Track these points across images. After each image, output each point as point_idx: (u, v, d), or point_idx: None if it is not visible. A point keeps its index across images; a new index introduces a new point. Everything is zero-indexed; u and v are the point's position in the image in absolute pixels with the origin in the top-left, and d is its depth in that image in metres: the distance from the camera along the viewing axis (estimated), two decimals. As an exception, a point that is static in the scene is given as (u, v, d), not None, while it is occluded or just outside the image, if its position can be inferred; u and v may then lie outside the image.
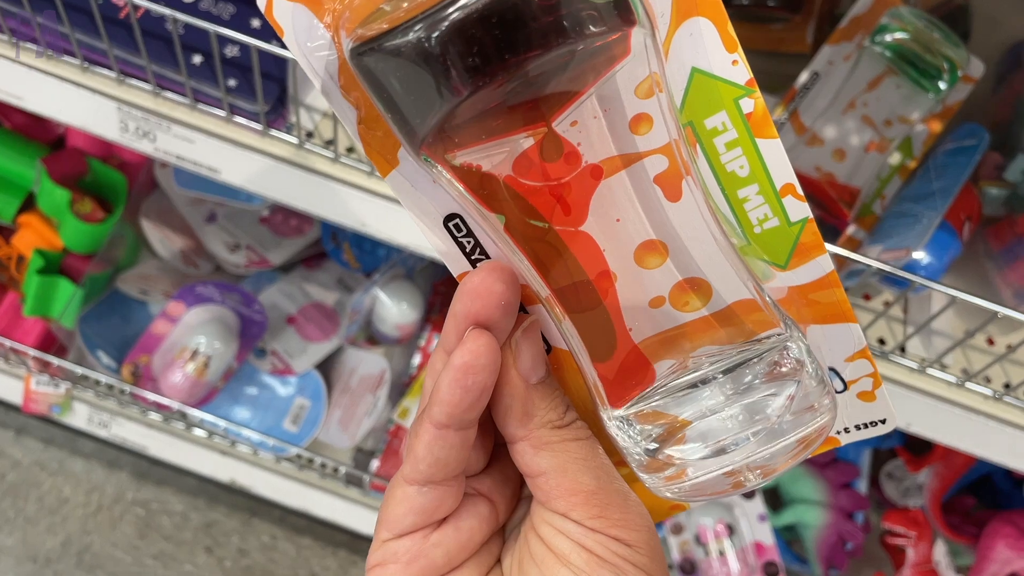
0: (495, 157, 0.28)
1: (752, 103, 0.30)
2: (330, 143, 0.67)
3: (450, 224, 0.31)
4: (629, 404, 0.31)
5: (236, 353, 1.02)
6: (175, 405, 0.99)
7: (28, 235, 1.02)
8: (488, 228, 0.31)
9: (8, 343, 1.00)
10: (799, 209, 0.31)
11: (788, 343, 0.31)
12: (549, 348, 0.33)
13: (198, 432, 1.07)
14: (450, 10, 0.24)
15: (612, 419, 0.32)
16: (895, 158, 0.71)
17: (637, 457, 0.32)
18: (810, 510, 1.06)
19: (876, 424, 0.35)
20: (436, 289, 1.14)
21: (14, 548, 1.18)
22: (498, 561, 0.34)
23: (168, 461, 1.12)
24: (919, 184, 0.68)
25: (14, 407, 1.17)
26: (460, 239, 0.31)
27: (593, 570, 0.30)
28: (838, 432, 0.35)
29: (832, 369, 0.34)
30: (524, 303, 0.32)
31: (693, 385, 0.31)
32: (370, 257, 1.09)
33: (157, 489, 1.23)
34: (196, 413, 1.00)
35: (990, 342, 0.71)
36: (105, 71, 0.67)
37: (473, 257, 0.32)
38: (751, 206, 0.31)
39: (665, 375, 0.31)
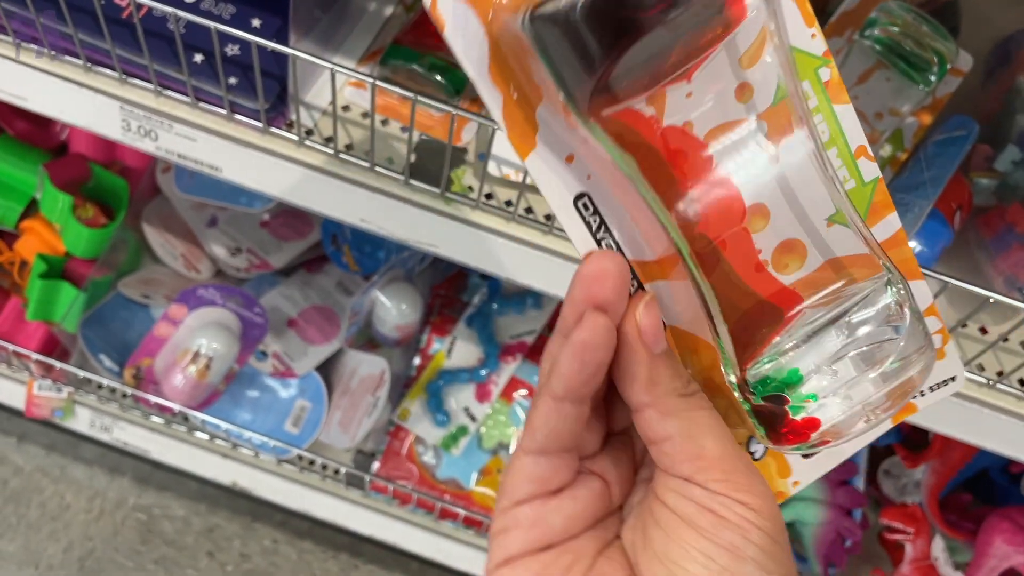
0: (644, 110, 0.31)
1: (829, 72, 0.32)
2: (329, 140, 0.68)
3: (579, 203, 0.33)
4: (753, 364, 0.33)
5: (237, 355, 1.03)
6: (177, 407, 0.99)
7: (31, 240, 1.03)
8: (627, 184, 0.32)
9: (11, 347, 1.01)
10: (871, 169, 0.33)
11: (890, 286, 0.32)
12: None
13: (200, 435, 1.08)
14: None
15: (737, 384, 0.33)
16: (886, 150, 0.72)
17: (767, 416, 0.33)
18: (808, 507, 1.06)
19: (947, 383, 0.36)
20: (435, 292, 1.15)
21: (16, 554, 1.18)
22: (616, 537, 0.35)
23: (170, 464, 1.12)
24: (910, 174, 0.69)
25: (16, 413, 1.18)
26: (588, 218, 0.34)
27: (718, 531, 0.31)
28: (914, 398, 0.36)
29: None
30: (643, 280, 0.34)
31: (809, 336, 0.32)
32: (370, 260, 1.10)
33: (159, 494, 1.24)
34: (198, 415, 1.00)
35: (983, 331, 0.72)
36: (107, 71, 0.68)
37: (598, 236, 0.34)
38: None
39: (784, 328, 0.33)
